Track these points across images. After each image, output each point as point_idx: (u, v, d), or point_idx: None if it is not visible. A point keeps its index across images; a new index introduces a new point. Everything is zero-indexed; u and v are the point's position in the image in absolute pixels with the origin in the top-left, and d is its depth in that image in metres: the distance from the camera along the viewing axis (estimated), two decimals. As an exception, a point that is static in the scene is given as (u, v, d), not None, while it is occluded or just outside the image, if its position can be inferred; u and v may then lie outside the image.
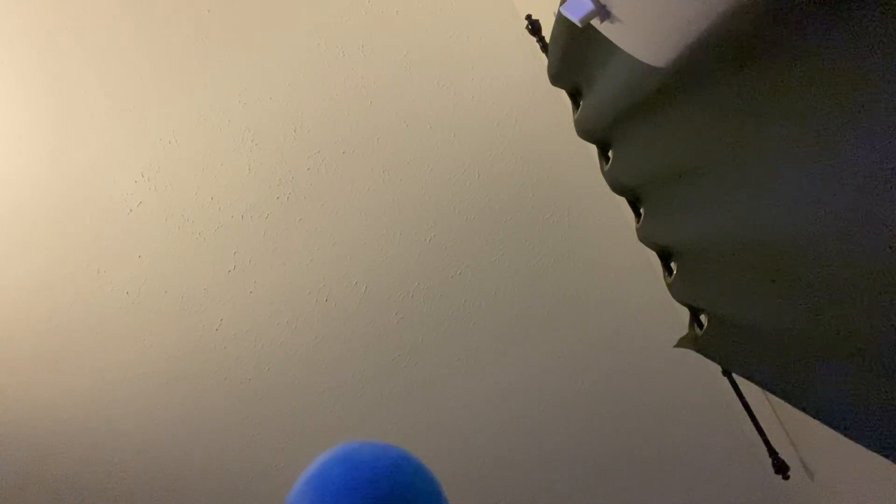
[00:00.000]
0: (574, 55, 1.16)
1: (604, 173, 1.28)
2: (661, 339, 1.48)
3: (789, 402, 0.88)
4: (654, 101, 0.87)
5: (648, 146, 1.01)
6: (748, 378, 1.02)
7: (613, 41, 0.78)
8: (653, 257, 1.32)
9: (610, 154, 1.27)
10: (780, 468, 1.26)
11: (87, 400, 1.51)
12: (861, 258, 0.56)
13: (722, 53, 0.63)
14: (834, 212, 0.56)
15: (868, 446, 0.70)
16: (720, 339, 1.09)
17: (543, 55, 1.46)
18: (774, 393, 0.93)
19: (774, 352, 0.87)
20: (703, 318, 1.22)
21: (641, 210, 1.24)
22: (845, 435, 0.75)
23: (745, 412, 1.29)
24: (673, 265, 1.22)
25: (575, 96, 1.35)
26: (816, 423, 0.80)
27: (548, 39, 1.38)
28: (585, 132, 1.30)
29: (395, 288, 1.57)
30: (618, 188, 1.26)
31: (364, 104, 1.59)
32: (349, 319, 1.56)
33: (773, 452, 1.27)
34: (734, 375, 1.27)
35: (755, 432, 1.29)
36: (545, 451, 1.55)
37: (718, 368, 1.29)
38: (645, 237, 1.24)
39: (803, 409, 0.84)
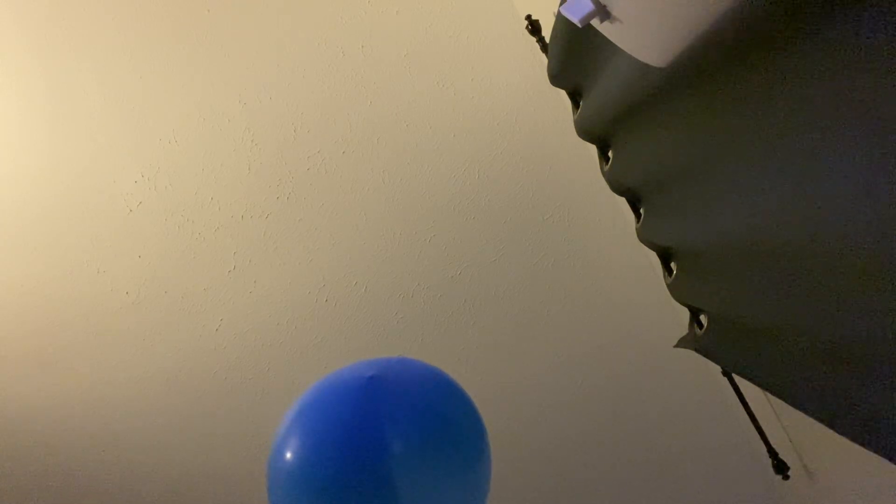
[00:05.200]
0: (574, 55, 1.16)
1: (604, 173, 1.28)
2: (661, 339, 1.48)
3: (789, 403, 0.88)
4: (654, 101, 0.88)
5: (648, 146, 1.01)
6: (748, 378, 1.02)
7: (613, 41, 0.78)
8: (653, 257, 1.32)
9: (610, 154, 1.27)
10: (780, 468, 1.26)
11: (87, 400, 1.51)
12: (861, 258, 0.56)
13: (721, 53, 0.63)
14: (834, 212, 0.56)
15: (867, 446, 0.70)
16: (720, 339, 1.09)
17: (543, 55, 1.46)
18: (774, 393, 0.93)
19: (774, 352, 0.87)
20: (703, 318, 1.22)
21: (641, 210, 1.24)
22: (844, 435, 0.75)
23: (745, 412, 1.29)
24: (673, 265, 1.22)
25: (575, 96, 1.35)
26: (816, 423, 0.80)
27: (548, 39, 1.38)
28: (585, 132, 1.30)
29: (395, 288, 1.57)
30: (618, 188, 1.26)
31: (364, 104, 1.59)
32: (349, 319, 1.55)
33: (773, 452, 1.27)
34: (734, 375, 1.27)
35: (755, 432, 1.29)
36: (544, 451, 1.55)
37: (718, 368, 1.29)
38: (645, 237, 1.24)
39: (802, 409, 0.84)
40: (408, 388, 0.61)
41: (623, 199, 1.30)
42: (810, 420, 0.82)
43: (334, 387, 0.61)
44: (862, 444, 0.72)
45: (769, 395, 1.16)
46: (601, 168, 1.29)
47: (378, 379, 0.59)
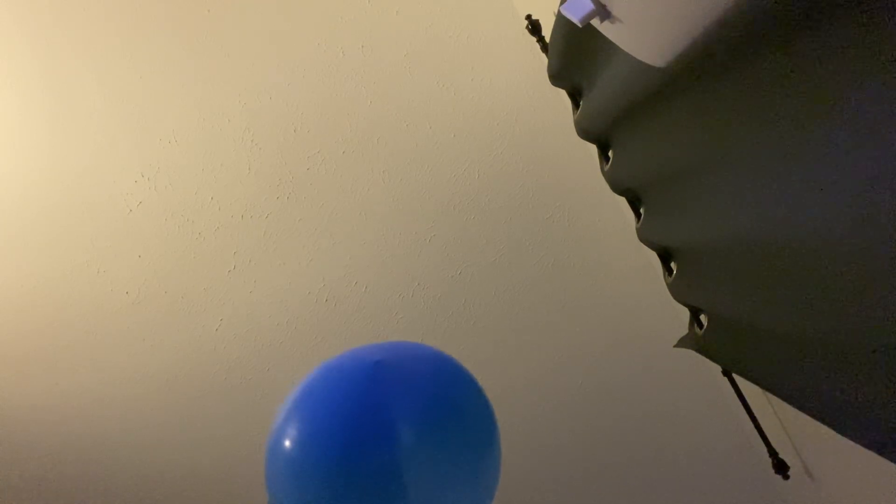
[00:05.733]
0: (574, 55, 1.16)
1: (604, 173, 1.28)
2: (661, 340, 1.48)
3: (789, 403, 0.88)
4: (654, 101, 0.87)
5: (648, 146, 1.01)
6: (748, 378, 1.02)
7: (613, 41, 0.78)
8: (653, 257, 1.32)
9: (610, 154, 1.27)
10: (780, 468, 1.26)
11: (87, 400, 1.51)
12: (861, 259, 0.55)
13: (721, 53, 0.63)
14: (835, 212, 0.56)
15: (868, 446, 0.70)
16: (720, 339, 1.09)
17: (543, 55, 1.46)
18: (774, 393, 0.93)
19: (774, 352, 0.87)
20: (703, 318, 1.22)
21: (641, 210, 1.24)
22: (845, 435, 0.75)
23: (745, 412, 1.29)
24: (673, 265, 1.22)
25: (575, 96, 1.35)
26: (816, 423, 0.80)
27: (548, 39, 1.38)
28: (585, 132, 1.30)
29: (395, 288, 1.57)
30: (618, 188, 1.26)
31: (364, 104, 1.59)
32: (349, 319, 1.55)
33: (773, 452, 1.27)
34: (734, 375, 1.27)
35: (755, 432, 1.29)
36: (544, 450, 1.55)
37: (718, 368, 1.29)
38: (645, 237, 1.24)
39: (803, 410, 0.84)
40: (415, 374, 0.58)
41: (623, 199, 1.31)
42: (810, 420, 0.82)
43: (338, 371, 0.58)
44: (862, 444, 0.72)
45: (769, 395, 1.16)
46: (601, 168, 1.29)
47: (385, 363, 0.56)
